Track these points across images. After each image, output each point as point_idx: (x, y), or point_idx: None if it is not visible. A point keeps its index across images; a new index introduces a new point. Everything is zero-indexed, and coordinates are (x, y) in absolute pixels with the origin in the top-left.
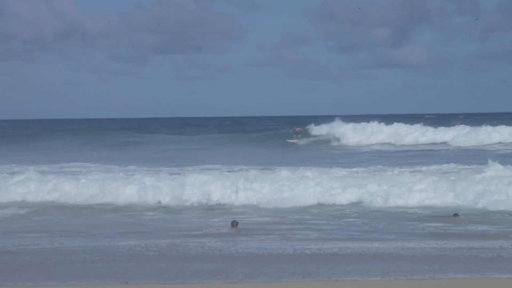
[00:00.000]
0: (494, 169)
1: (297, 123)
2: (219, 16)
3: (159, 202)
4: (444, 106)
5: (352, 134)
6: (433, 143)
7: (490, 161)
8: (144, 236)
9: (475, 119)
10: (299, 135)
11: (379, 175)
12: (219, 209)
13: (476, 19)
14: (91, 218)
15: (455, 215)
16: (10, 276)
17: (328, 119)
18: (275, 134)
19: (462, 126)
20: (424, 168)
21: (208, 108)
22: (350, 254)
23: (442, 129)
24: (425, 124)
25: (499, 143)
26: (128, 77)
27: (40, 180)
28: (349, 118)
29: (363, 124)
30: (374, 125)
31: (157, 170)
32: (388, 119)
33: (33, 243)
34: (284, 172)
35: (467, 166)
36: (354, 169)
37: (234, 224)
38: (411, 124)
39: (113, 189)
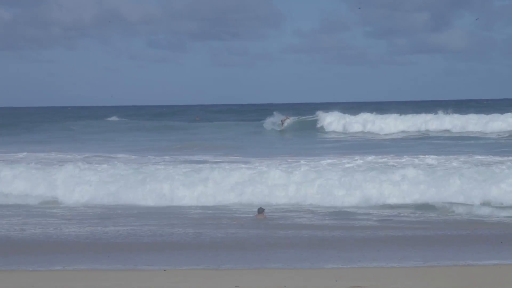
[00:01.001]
0: None
1: (334, 109)
2: (256, 2)
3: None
4: (484, 92)
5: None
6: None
7: None
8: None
9: None
10: (283, 124)
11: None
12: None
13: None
14: None
15: None
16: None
17: (365, 105)
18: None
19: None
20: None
21: (246, 95)
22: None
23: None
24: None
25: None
26: (166, 64)
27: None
28: (385, 105)
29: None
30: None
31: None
32: (428, 105)
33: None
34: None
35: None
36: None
37: (260, 211)
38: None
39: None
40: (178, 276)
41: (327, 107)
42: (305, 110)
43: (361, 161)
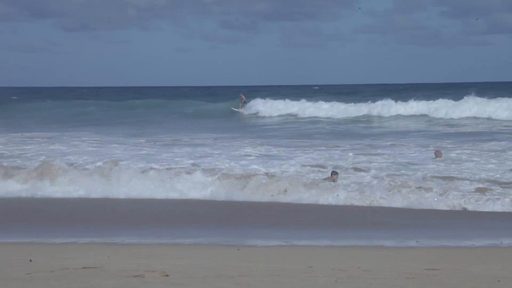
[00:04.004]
0: None
1: (399, 91)
2: None
3: None
4: None
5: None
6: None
7: None
8: None
9: None
10: (243, 103)
11: None
12: None
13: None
14: None
15: None
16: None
17: (436, 87)
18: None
19: None
20: None
21: (317, 76)
22: None
23: None
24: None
25: None
26: (238, 45)
27: None
28: (447, 86)
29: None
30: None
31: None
32: (496, 86)
33: None
34: None
35: None
36: None
37: (333, 173)
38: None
39: None
40: (250, 254)
41: (396, 87)
42: (368, 93)
43: None
